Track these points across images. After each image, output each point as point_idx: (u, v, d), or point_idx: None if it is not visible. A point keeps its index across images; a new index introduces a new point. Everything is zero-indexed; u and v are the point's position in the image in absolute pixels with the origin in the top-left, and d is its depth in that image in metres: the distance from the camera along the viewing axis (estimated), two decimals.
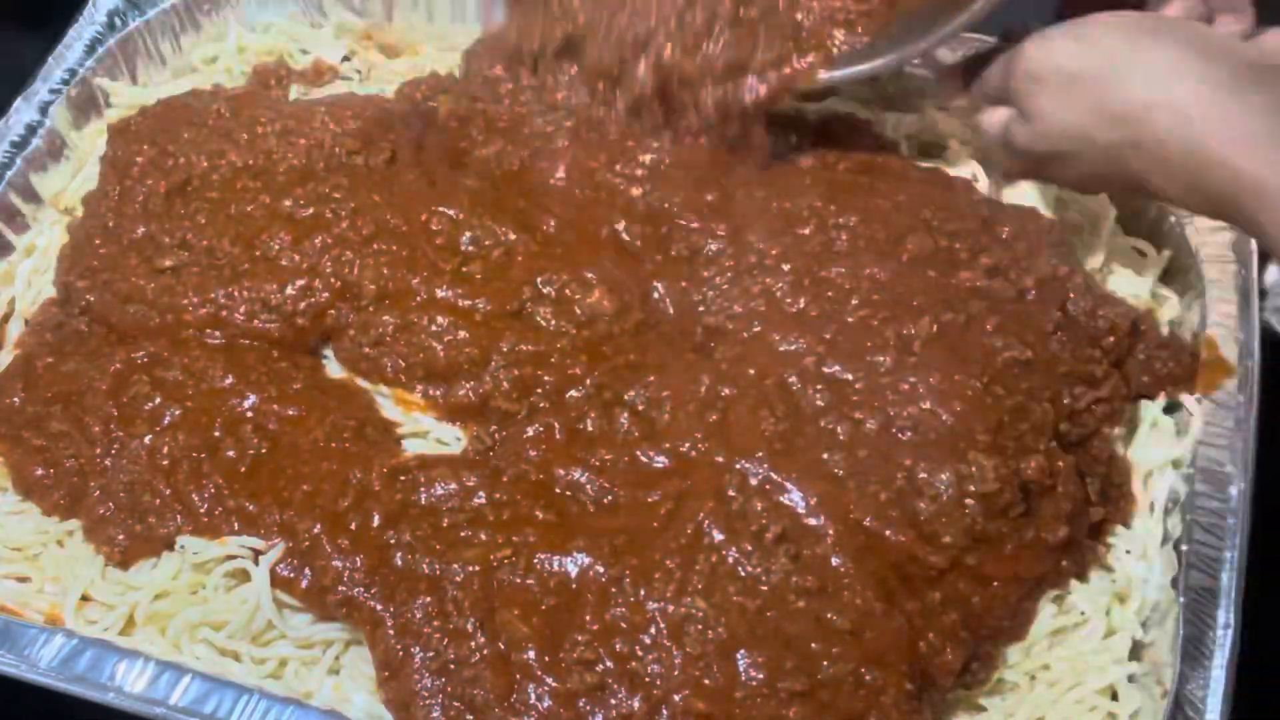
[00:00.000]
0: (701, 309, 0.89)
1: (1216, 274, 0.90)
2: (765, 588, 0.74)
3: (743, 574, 0.75)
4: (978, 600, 0.76)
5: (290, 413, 0.87)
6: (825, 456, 0.78)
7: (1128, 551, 0.82)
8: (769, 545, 0.75)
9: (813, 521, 0.76)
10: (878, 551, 0.75)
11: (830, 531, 0.76)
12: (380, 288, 0.90)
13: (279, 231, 0.93)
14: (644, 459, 0.81)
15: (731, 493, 0.77)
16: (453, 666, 0.74)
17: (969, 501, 0.76)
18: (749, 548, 0.75)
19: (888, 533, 0.76)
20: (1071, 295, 0.86)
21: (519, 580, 0.76)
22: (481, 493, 0.81)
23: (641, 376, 0.85)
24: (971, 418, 0.78)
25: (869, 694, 0.71)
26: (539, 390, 0.86)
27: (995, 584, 0.76)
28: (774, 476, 0.78)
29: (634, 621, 0.74)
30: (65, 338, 0.94)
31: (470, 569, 0.77)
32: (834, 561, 0.75)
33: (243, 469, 0.84)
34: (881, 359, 0.82)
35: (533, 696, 0.72)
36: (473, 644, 0.74)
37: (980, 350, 0.82)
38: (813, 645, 0.72)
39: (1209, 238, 0.91)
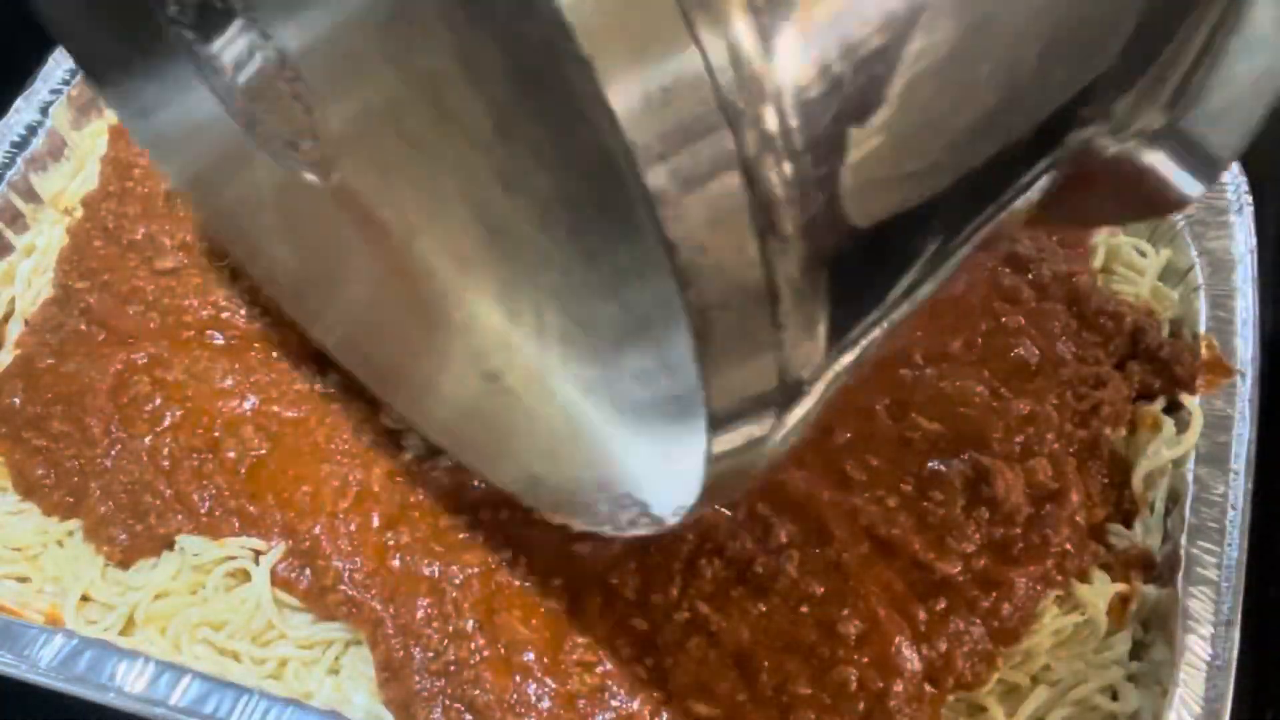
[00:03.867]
0: None
1: (1216, 274, 0.90)
2: (770, 593, 0.74)
3: (747, 578, 0.75)
4: (983, 604, 0.76)
5: (291, 414, 0.87)
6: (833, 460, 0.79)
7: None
8: (773, 550, 0.75)
9: (820, 527, 0.76)
10: (885, 558, 0.75)
11: (837, 537, 0.76)
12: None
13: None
14: None
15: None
16: (453, 668, 0.74)
17: (977, 507, 0.76)
18: (753, 553, 0.75)
19: (896, 539, 0.76)
20: (1079, 296, 0.86)
21: (519, 582, 0.76)
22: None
23: None
24: (980, 423, 0.78)
25: (872, 697, 0.71)
26: None
27: (1001, 587, 0.76)
28: (779, 479, 0.78)
29: (635, 624, 0.74)
30: (65, 338, 0.93)
31: (470, 570, 0.77)
32: (841, 568, 0.75)
33: (243, 470, 0.84)
34: (905, 372, 0.82)
35: (533, 697, 0.73)
36: (473, 645, 0.75)
37: (994, 355, 0.82)
38: (817, 650, 0.72)
39: (1209, 238, 0.91)
